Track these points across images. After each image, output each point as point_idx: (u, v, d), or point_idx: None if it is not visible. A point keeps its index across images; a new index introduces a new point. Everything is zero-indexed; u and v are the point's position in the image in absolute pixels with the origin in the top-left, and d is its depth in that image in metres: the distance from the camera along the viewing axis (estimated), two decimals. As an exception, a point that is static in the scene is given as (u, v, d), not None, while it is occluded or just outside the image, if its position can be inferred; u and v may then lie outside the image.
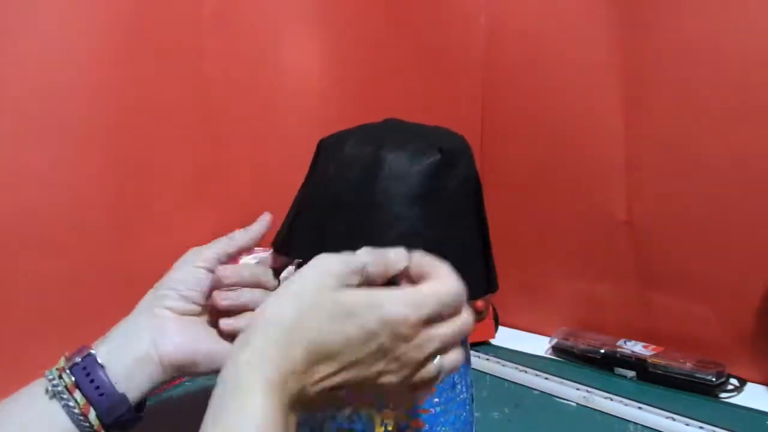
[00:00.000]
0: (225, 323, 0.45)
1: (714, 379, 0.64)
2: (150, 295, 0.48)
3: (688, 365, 0.66)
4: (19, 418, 0.41)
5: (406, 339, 0.35)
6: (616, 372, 0.70)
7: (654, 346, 0.70)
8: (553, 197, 0.78)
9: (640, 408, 0.60)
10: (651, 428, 0.58)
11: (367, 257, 0.37)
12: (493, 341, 0.80)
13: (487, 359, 0.74)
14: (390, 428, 0.44)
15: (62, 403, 0.40)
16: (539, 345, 0.79)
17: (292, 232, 0.47)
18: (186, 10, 0.71)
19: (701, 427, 0.57)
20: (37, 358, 0.62)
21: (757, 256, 0.64)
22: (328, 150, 0.47)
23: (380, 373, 0.35)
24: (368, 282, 0.37)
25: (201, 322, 0.47)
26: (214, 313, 0.47)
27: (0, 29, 0.57)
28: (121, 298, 0.69)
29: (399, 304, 0.35)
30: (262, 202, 0.72)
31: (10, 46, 0.58)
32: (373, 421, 0.44)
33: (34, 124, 0.59)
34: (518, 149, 0.80)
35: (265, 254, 0.58)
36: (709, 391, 0.64)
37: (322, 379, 0.34)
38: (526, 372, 0.70)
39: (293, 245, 0.47)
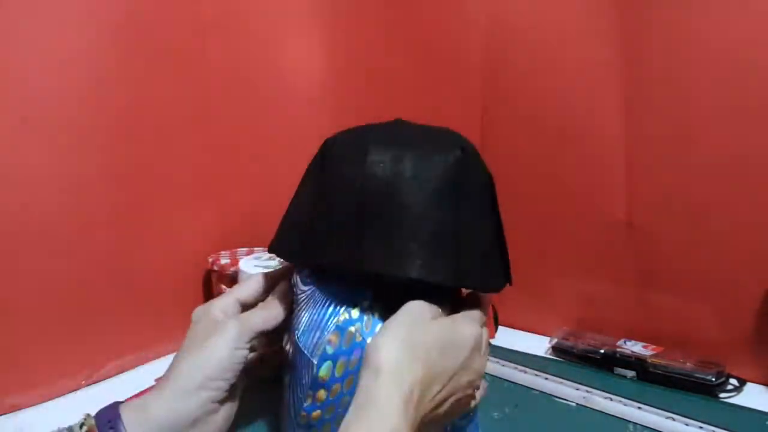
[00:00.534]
0: None
1: (714, 379, 0.64)
2: (193, 372, 0.44)
3: (688, 365, 0.66)
4: None
5: (480, 350, 0.44)
6: (615, 372, 0.70)
7: (654, 346, 0.70)
8: (553, 197, 0.78)
9: (639, 408, 0.60)
10: (651, 428, 0.58)
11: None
12: (492, 341, 0.80)
13: (487, 359, 0.73)
14: None
15: None
16: (539, 345, 0.79)
17: (314, 235, 0.45)
18: (186, 11, 0.71)
19: (701, 427, 0.57)
20: (37, 358, 0.62)
21: (757, 256, 0.64)
22: (341, 151, 0.46)
23: (467, 386, 0.42)
24: None
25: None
26: None
27: (0, 29, 0.57)
28: (121, 297, 0.69)
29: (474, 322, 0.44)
30: (262, 202, 0.73)
31: (10, 46, 0.58)
32: None
33: (35, 124, 0.59)
34: (518, 149, 0.80)
35: (265, 255, 0.57)
36: (709, 391, 0.64)
37: (432, 398, 0.39)
38: (525, 372, 0.70)
39: (319, 249, 0.45)
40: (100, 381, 0.67)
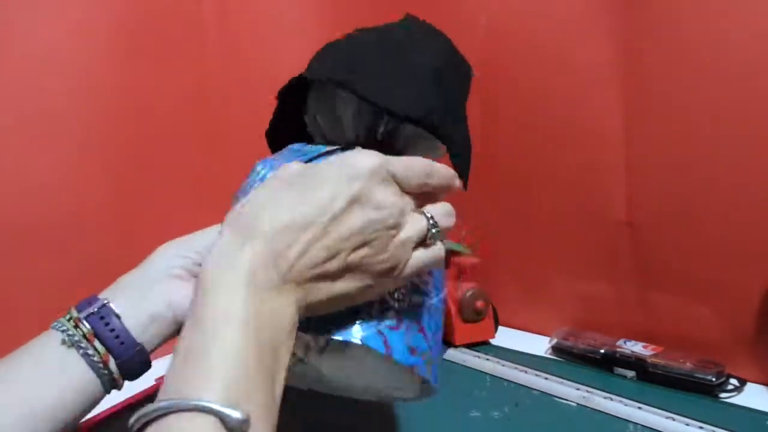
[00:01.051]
0: None
1: (714, 379, 0.64)
2: (168, 252, 0.46)
3: (688, 365, 0.66)
4: (32, 368, 0.39)
5: (385, 183, 0.35)
6: (615, 372, 0.70)
7: (654, 346, 0.70)
8: (553, 197, 0.78)
9: (639, 408, 0.60)
10: (651, 428, 0.58)
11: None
12: (492, 341, 0.80)
13: (487, 359, 0.74)
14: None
15: (81, 351, 0.39)
16: (539, 345, 0.79)
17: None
18: (186, 11, 0.71)
19: (701, 427, 0.57)
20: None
21: (757, 256, 0.64)
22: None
23: (363, 230, 0.34)
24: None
25: None
26: None
27: (0, 29, 0.57)
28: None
29: (373, 155, 0.35)
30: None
31: (10, 47, 0.58)
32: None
33: (34, 124, 0.59)
34: (518, 149, 0.80)
35: None
36: (709, 391, 0.64)
37: (303, 253, 0.33)
38: (525, 372, 0.70)
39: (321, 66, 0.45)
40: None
